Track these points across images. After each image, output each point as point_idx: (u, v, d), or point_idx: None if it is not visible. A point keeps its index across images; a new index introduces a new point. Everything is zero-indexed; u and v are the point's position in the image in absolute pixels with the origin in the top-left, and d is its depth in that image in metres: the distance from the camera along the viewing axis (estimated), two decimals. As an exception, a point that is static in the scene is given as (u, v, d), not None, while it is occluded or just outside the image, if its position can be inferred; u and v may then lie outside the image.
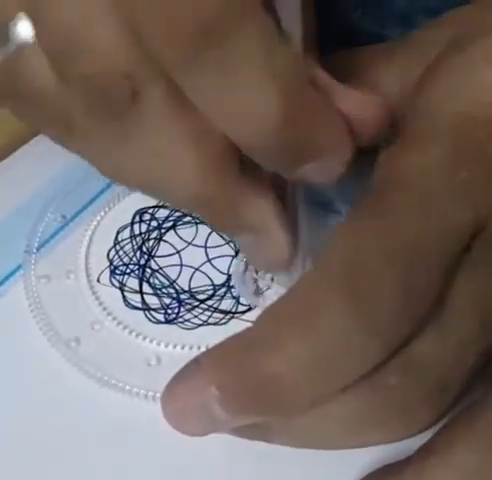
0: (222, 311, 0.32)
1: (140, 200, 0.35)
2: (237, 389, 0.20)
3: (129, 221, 0.35)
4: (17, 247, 0.34)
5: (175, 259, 0.34)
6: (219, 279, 0.33)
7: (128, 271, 0.33)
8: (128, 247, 0.34)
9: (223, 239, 0.34)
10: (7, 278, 0.33)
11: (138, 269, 0.34)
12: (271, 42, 0.19)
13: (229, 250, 0.34)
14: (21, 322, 0.32)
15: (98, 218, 0.35)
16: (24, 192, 0.36)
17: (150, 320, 0.32)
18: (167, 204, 0.35)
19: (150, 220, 0.35)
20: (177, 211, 0.35)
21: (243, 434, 0.23)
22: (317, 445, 0.22)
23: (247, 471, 0.27)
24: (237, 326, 0.31)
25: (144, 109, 0.20)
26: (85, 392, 0.30)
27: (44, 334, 0.31)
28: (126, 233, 0.35)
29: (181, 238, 0.34)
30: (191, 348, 0.31)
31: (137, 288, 0.33)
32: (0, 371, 0.30)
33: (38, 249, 0.34)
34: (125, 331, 0.31)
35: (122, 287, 0.33)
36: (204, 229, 0.34)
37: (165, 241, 0.35)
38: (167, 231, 0.35)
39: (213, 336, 0.31)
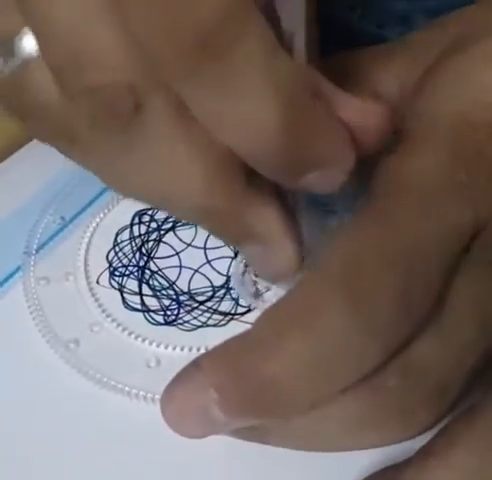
0: (221, 312, 0.32)
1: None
2: (236, 392, 0.20)
3: (128, 222, 0.35)
4: (16, 249, 0.34)
5: (174, 260, 0.34)
6: (218, 280, 0.33)
7: (127, 273, 0.33)
8: (127, 248, 0.34)
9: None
10: (6, 280, 0.33)
11: (137, 271, 0.34)
12: (271, 53, 0.19)
13: (228, 251, 0.34)
14: (20, 324, 0.32)
15: (97, 220, 0.35)
16: (23, 194, 0.36)
17: (149, 322, 0.32)
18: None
19: (149, 221, 0.35)
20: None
21: (241, 436, 0.23)
22: (315, 447, 0.22)
23: (247, 474, 0.27)
24: (236, 327, 0.31)
25: (147, 120, 0.20)
26: (84, 394, 0.30)
27: (43, 336, 0.31)
28: (125, 235, 0.35)
29: (180, 239, 0.34)
30: (190, 350, 0.31)
31: (136, 290, 0.33)
32: (-1, 373, 0.30)
33: (37, 251, 0.34)
34: (124, 333, 0.31)
35: (121, 289, 0.33)
36: (203, 230, 0.34)
37: (164, 242, 0.35)
38: (166, 232, 0.35)
39: (212, 337, 0.30)
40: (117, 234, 0.35)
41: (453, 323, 0.21)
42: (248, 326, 0.21)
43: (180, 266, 0.34)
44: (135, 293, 0.33)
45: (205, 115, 0.19)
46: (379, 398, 0.21)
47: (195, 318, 0.32)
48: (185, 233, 0.35)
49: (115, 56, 0.19)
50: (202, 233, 0.34)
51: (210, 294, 0.33)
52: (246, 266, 0.32)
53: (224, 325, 0.32)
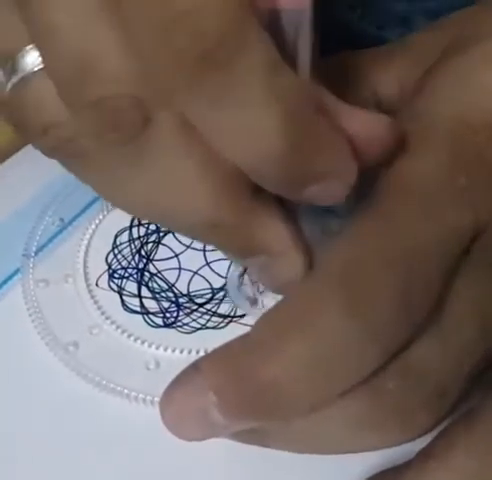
0: (221, 315, 0.32)
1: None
2: (236, 394, 0.20)
3: (127, 224, 0.35)
4: (15, 251, 0.34)
5: (174, 263, 0.34)
6: (218, 283, 0.33)
7: (126, 275, 0.33)
8: (126, 251, 0.34)
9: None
10: (5, 282, 0.33)
11: (137, 273, 0.33)
12: (273, 67, 0.18)
13: (228, 253, 0.34)
14: (19, 326, 0.32)
15: (96, 222, 0.35)
16: (22, 196, 0.36)
17: (149, 324, 0.32)
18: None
19: (148, 223, 0.35)
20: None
21: (241, 439, 0.23)
22: (315, 450, 0.22)
23: (246, 477, 0.27)
24: (236, 330, 0.31)
25: (155, 135, 0.20)
26: (83, 396, 0.30)
27: (42, 338, 0.31)
28: (124, 237, 0.35)
29: (180, 241, 0.34)
30: (190, 352, 0.31)
31: (136, 292, 0.33)
32: (-2, 375, 0.30)
33: (36, 253, 0.34)
34: (124, 335, 0.31)
35: (120, 291, 0.33)
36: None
37: (164, 244, 0.34)
38: (166, 234, 0.35)
39: (212, 340, 0.30)
40: (116, 236, 0.35)
41: (453, 325, 0.21)
42: (247, 328, 0.21)
43: (179, 268, 0.34)
44: (134, 295, 0.33)
45: (208, 129, 0.19)
46: (379, 400, 0.21)
47: (194, 320, 0.32)
48: (184, 235, 0.35)
49: (118, 68, 0.19)
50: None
51: (209, 296, 0.33)
52: (245, 269, 0.32)
53: (223, 327, 0.32)
